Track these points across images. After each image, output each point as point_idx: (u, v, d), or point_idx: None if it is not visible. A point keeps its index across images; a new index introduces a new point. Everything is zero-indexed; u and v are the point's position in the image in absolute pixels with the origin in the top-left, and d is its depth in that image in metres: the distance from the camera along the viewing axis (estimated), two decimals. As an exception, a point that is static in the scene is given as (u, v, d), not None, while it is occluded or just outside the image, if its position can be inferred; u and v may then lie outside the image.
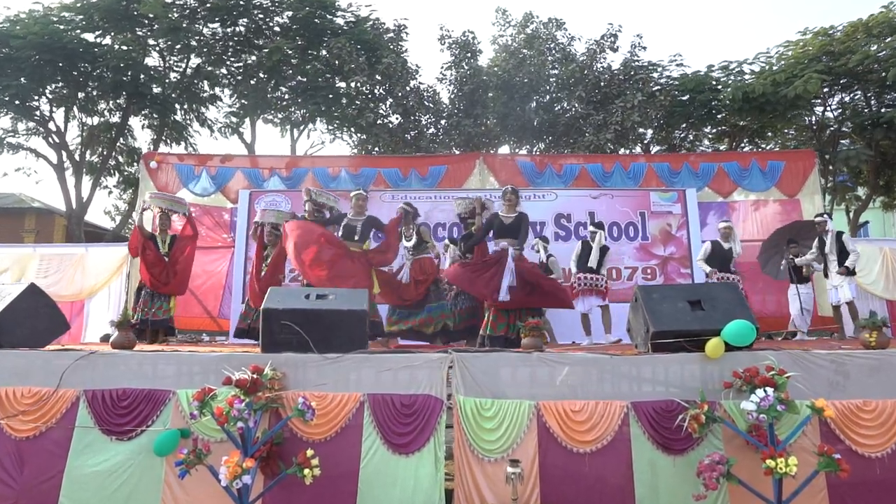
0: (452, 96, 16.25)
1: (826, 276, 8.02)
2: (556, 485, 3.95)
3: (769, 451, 3.67)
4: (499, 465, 3.99)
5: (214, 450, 3.90)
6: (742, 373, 3.95)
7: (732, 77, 15.69)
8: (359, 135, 17.95)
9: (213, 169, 9.67)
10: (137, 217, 7.72)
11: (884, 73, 13.78)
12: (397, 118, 16.34)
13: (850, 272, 7.69)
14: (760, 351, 4.23)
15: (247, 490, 3.68)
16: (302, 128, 18.65)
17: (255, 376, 3.83)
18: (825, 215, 8.20)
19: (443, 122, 16.15)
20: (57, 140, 16.67)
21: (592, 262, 7.61)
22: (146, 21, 15.34)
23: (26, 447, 4.09)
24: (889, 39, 14.18)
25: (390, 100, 16.13)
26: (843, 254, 7.70)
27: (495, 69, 16.64)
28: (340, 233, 6.98)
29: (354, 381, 4.20)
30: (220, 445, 3.95)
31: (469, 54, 15.95)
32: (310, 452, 3.80)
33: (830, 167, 15.85)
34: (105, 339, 7.21)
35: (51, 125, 16.49)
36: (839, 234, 7.83)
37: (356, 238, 6.90)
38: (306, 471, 3.73)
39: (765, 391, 3.72)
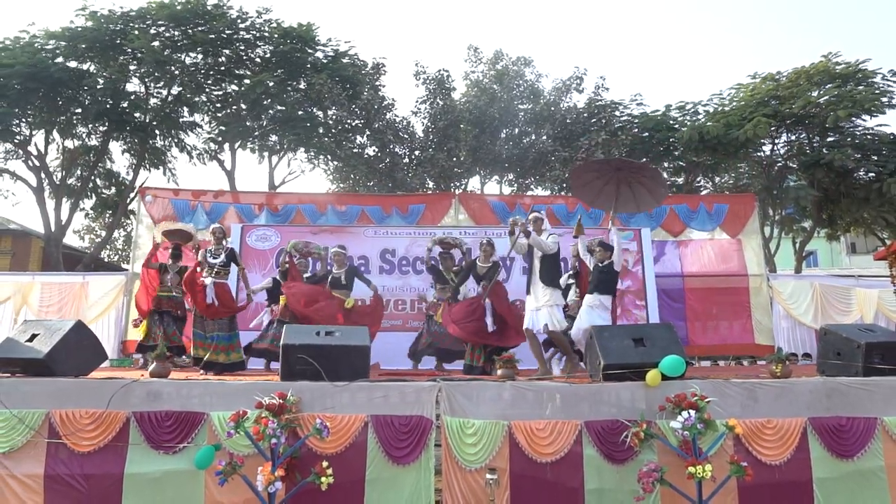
0: (426, 129, 16.90)
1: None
2: (523, 488, 4.87)
3: (691, 460, 4.67)
4: (479, 473, 4.89)
5: (245, 462, 4.73)
6: (673, 398, 4.93)
7: (689, 117, 16.79)
8: (335, 163, 18.67)
9: (207, 204, 10.40)
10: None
11: (825, 118, 15.05)
12: (374, 150, 17.10)
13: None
14: (689, 380, 5.24)
15: (275, 495, 4.51)
16: (281, 155, 19.04)
17: (281, 401, 4.66)
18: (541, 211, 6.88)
19: (416, 153, 16.82)
20: (37, 163, 16.79)
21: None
22: (129, 50, 15.63)
23: (88, 460, 4.82)
24: (829, 86, 15.52)
25: (367, 132, 16.85)
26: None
27: (467, 104, 17.31)
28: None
29: (358, 405, 5.05)
30: (249, 458, 4.77)
31: (443, 91, 16.69)
32: (325, 464, 4.65)
33: (779, 200, 17.14)
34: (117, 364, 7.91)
35: (31, 148, 16.60)
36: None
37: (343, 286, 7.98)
38: (323, 479, 4.57)
39: (688, 413, 4.71)
